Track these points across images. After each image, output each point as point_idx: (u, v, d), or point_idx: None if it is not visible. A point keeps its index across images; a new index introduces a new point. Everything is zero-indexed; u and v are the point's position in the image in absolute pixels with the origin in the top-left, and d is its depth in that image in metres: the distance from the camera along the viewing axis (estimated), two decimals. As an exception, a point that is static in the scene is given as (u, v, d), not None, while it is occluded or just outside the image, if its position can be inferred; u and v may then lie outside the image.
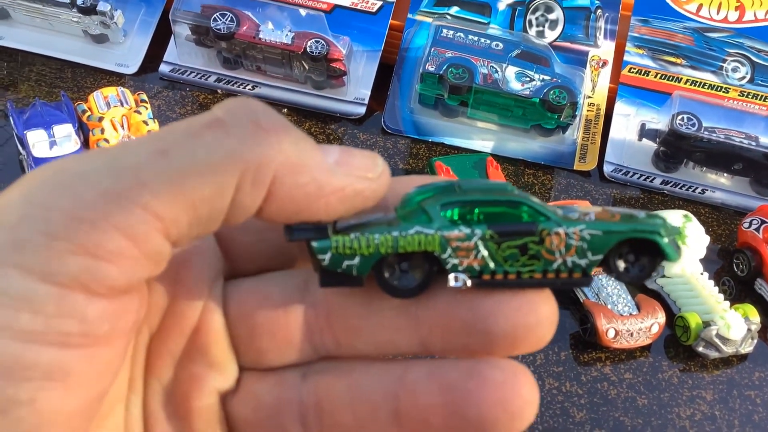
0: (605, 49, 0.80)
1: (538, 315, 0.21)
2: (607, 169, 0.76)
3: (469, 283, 0.22)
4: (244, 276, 0.24)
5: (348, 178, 0.21)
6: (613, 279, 0.63)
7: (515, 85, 0.73)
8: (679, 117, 0.73)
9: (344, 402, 0.22)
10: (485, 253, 0.22)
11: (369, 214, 0.23)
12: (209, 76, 0.77)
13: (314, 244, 0.21)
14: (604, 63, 0.79)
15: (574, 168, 0.76)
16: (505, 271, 0.22)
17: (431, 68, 0.73)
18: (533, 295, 0.21)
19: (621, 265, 0.23)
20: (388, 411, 0.21)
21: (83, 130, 0.67)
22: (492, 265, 0.22)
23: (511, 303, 0.21)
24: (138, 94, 0.69)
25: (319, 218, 0.21)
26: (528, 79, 0.73)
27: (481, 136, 0.77)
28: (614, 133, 0.77)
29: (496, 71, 0.73)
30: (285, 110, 0.77)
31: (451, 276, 0.22)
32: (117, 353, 0.19)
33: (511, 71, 0.74)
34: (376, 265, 0.22)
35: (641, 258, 0.23)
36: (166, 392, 0.22)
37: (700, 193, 0.75)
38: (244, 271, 0.24)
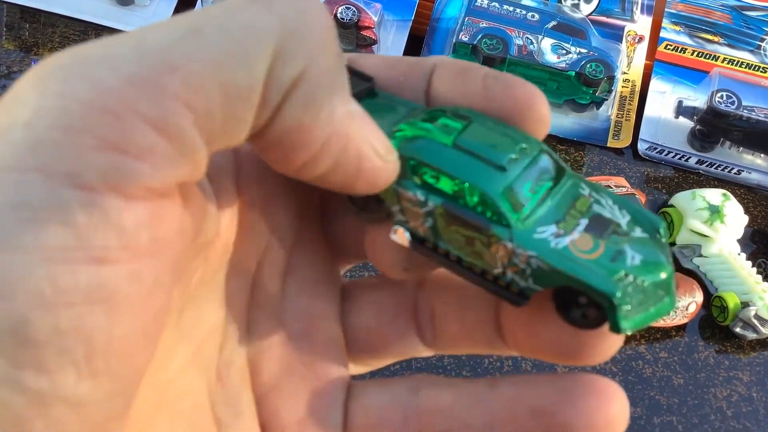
0: (641, 24, 0.78)
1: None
2: (641, 146, 0.74)
3: (407, 243, 0.20)
4: None
5: (359, 143, 0.18)
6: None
7: (551, 58, 0.71)
8: (719, 94, 0.71)
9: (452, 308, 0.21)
10: (431, 224, 0.20)
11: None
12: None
13: None
14: (641, 38, 0.77)
15: (608, 145, 0.74)
16: (447, 250, 0.20)
17: (465, 38, 0.71)
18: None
19: (568, 305, 0.20)
20: None
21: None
22: (435, 238, 0.20)
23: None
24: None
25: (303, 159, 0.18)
26: (564, 51, 0.72)
27: (512, 110, 0.75)
28: (649, 110, 0.75)
29: (532, 43, 0.72)
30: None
31: (393, 228, 0.20)
32: (164, 268, 0.16)
33: (547, 43, 0.72)
34: None
35: (591, 307, 0.19)
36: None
37: (735, 173, 0.73)
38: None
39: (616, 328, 0.18)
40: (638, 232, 0.20)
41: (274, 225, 0.21)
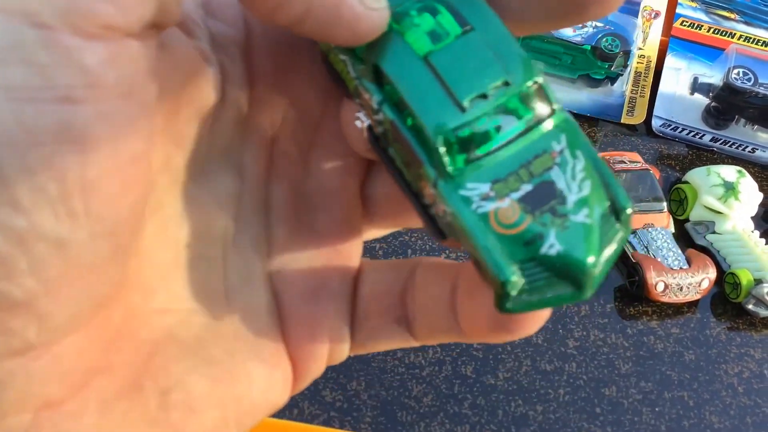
0: (658, -1, 0.77)
1: None
2: (655, 123, 0.73)
3: (365, 133, 0.19)
4: None
5: None
6: (663, 232, 0.61)
7: (566, 31, 0.70)
8: (735, 71, 0.70)
9: None
10: (383, 131, 0.19)
11: None
12: None
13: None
14: (656, 14, 0.76)
15: (622, 121, 0.73)
16: (394, 158, 0.19)
17: (479, 10, 0.70)
18: None
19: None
20: None
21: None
22: (386, 144, 0.19)
23: None
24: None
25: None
26: (580, 25, 0.71)
27: (525, 85, 0.74)
28: (664, 87, 0.74)
29: (547, 16, 0.71)
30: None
31: (356, 114, 0.19)
32: (136, 110, 0.16)
33: (562, 16, 0.71)
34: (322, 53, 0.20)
35: None
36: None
37: (750, 152, 0.73)
38: None
39: (499, 308, 0.17)
40: (582, 216, 0.17)
41: (293, 98, 0.21)
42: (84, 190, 0.15)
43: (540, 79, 0.18)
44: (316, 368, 0.21)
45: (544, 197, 0.17)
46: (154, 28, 0.16)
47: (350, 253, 0.21)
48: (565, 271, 0.17)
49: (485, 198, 0.17)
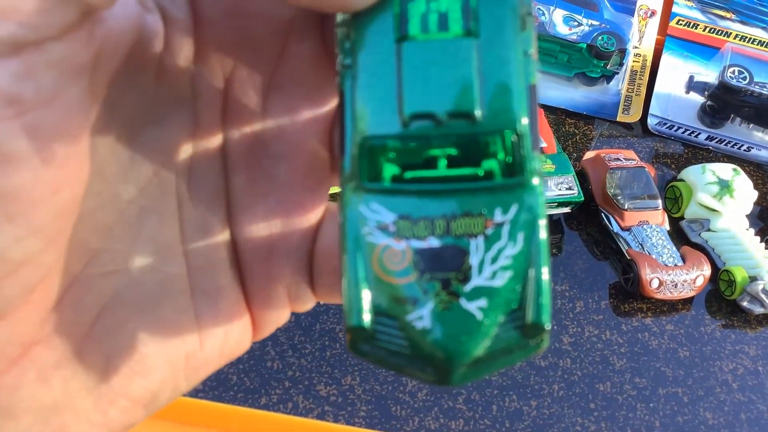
0: (654, -2, 0.77)
1: None
2: (651, 122, 0.73)
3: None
4: None
5: None
6: (657, 230, 0.61)
7: (562, 29, 0.71)
8: (730, 70, 0.71)
9: None
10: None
11: None
12: None
13: None
14: (653, 13, 0.77)
15: (617, 119, 0.73)
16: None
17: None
18: None
19: None
20: None
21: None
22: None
23: None
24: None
25: None
26: (576, 23, 0.71)
27: (522, 83, 0.74)
28: (660, 85, 0.75)
29: (543, 14, 0.71)
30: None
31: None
32: (65, 110, 0.15)
33: (558, 14, 0.71)
34: None
35: None
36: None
37: (745, 150, 0.73)
38: None
39: (348, 346, 0.15)
40: (474, 306, 0.14)
41: (246, 38, 0.19)
42: (5, 199, 0.14)
43: (524, 131, 0.14)
44: (277, 319, 0.20)
45: (444, 263, 0.14)
46: (84, 17, 0.15)
47: (313, 205, 0.20)
48: (425, 353, 0.14)
49: (382, 228, 0.15)
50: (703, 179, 0.63)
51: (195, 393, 0.49)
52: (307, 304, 0.21)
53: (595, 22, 0.71)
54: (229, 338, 0.20)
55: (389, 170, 0.15)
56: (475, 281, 0.14)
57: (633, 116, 0.73)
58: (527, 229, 0.14)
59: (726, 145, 0.73)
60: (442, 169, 0.14)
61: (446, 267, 0.14)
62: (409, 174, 0.15)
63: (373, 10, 0.15)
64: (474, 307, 0.14)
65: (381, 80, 0.15)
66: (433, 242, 0.14)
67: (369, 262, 0.14)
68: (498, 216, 0.14)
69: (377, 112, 0.15)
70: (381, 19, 0.15)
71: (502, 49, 0.14)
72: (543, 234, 0.14)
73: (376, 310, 0.14)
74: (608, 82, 0.74)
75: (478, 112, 0.14)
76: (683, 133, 0.73)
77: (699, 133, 0.73)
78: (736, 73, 0.70)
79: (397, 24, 0.15)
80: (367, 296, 0.14)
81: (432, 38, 0.14)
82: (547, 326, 0.14)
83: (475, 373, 0.14)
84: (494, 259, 0.14)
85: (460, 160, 0.14)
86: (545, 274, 0.14)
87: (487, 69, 0.14)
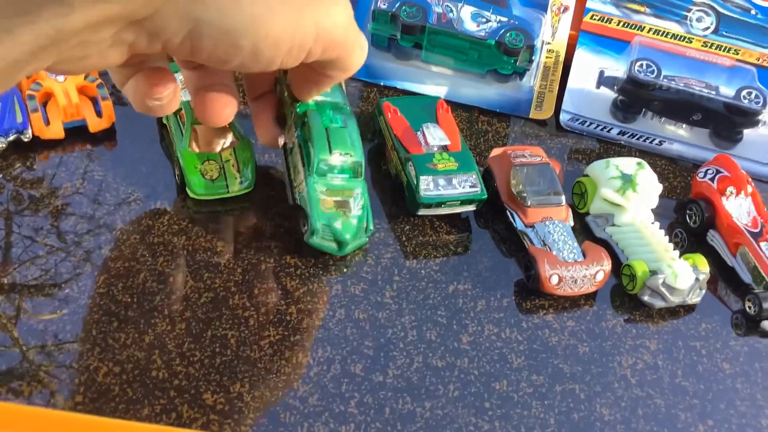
0: (567, -6, 0.77)
1: None
2: (563, 118, 0.73)
3: (280, 143, 0.52)
4: None
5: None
6: (560, 225, 0.61)
7: (470, 26, 0.70)
8: (638, 63, 0.71)
9: None
10: (291, 146, 0.54)
11: None
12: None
13: None
14: (566, 8, 0.77)
15: (530, 116, 0.73)
16: (288, 158, 0.51)
17: (383, 5, 0.70)
18: None
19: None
20: None
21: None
22: (289, 150, 0.50)
23: None
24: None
25: None
26: (484, 20, 0.71)
27: (435, 81, 0.74)
28: (573, 81, 0.74)
29: (451, 11, 0.70)
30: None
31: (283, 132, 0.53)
32: None
33: (466, 11, 0.71)
34: None
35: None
36: None
37: (657, 144, 0.73)
38: None
39: (306, 239, 0.49)
40: (355, 219, 0.52)
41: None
42: None
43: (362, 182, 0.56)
44: None
45: (339, 205, 0.55)
46: None
47: None
48: (338, 239, 0.54)
49: (321, 193, 0.54)
50: (606, 174, 0.63)
51: (74, 406, 0.48)
52: None
53: (503, 19, 0.71)
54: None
55: (325, 168, 0.55)
56: (355, 210, 0.55)
57: (545, 113, 0.73)
58: (364, 190, 0.56)
59: (638, 139, 0.73)
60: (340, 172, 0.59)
61: (341, 207, 0.55)
62: (331, 171, 0.56)
63: (308, 112, 0.55)
64: (355, 219, 0.55)
65: (321, 139, 0.55)
66: (338, 199, 0.56)
67: (319, 204, 0.54)
68: (357, 189, 0.57)
69: (321, 149, 0.54)
70: (314, 116, 0.54)
71: (354, 130, 0.55)
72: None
73: (322, 221, 0.54)
74: (521, 79, 0.73)
75: (355, 153, 0.56)
76: (596, 128, 0.73)
77: (611, 129, 0.73)
78: (644, 67, 0.71)
79: (324, 120, 0.55)
80: (320, 216, 0.54)
81: (334, 126, 0.55)
82: (371, 228, 0.56)
83: (354, 246, 0.56)
84: (360, 205, 0.55)
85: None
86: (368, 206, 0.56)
87: (353, 136, 0.56)
